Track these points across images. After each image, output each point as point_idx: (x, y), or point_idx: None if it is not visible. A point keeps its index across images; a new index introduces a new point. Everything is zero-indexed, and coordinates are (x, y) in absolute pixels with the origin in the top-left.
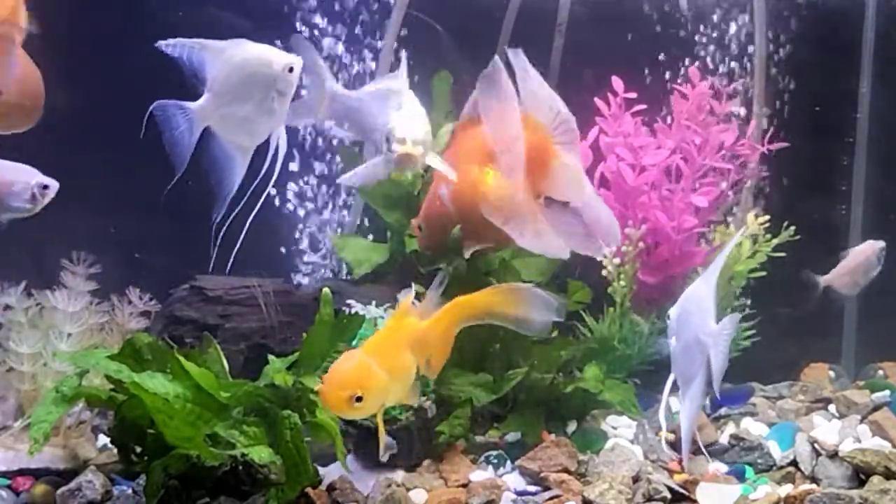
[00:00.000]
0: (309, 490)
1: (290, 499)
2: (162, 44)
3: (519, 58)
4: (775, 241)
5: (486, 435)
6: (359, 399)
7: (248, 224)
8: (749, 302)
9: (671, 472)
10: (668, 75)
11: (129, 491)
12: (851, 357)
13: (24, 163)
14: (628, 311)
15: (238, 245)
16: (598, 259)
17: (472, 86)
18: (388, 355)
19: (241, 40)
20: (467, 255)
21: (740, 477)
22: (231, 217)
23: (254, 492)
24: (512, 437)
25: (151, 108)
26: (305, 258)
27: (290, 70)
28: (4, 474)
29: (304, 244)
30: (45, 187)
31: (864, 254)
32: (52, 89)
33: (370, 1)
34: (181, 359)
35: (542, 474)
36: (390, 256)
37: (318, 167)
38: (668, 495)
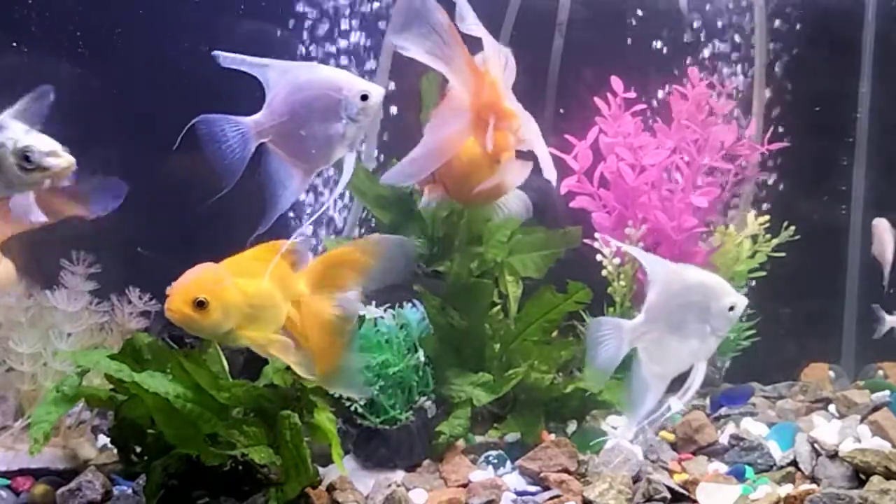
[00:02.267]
0: (309, 490)
1: (290, 499)
2: (220, 56)
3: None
4: (775, 242)
5: (486, 435)
6: (201, 304)
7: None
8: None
9: (671, 472)
10: (668, 75)
11: (129, 491)
12: (851, 357)
13: None
14: (628, 311)
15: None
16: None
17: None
18: (247, 275)
19: (313, 63)
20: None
21: (740, 477)
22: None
23: (254, 492)
24: (512, 437)
25: (195, 121)
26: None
27: (364, 98)
28: (4, 474)
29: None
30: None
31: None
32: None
33: (371, 1)
34: (181, 359)
35: (542, 474)
36: None
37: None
38: (668, 495)
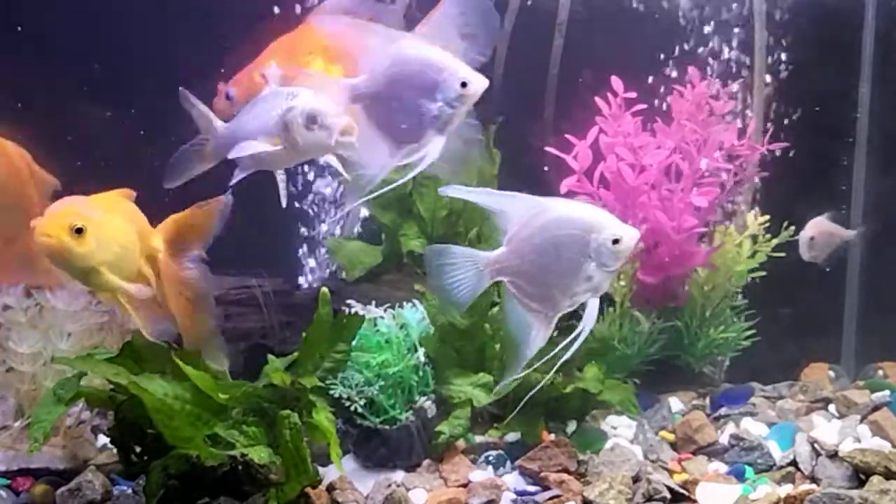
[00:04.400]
0: (309, 490)
1: (290, 499)
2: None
3: None
4: (775, 242)
5: (486, 435)
6: (79, 231)
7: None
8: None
9: (671, 472)
10: (668, 75)
11: (129, 491)
12: (851, 357)
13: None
14: (628, 311)
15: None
16: None
17: None
18: (109, 211)
19: (423, 39)
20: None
21: (740, 477)
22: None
23: (254, 492)
24: (512, 437)
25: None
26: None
27: (464, 85)
28: (4, 474)
29: (306, 246)
30: None
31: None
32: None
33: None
34: (180, 362)
35: (542, 474)
36: (385, 258)
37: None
38: (668, 495)
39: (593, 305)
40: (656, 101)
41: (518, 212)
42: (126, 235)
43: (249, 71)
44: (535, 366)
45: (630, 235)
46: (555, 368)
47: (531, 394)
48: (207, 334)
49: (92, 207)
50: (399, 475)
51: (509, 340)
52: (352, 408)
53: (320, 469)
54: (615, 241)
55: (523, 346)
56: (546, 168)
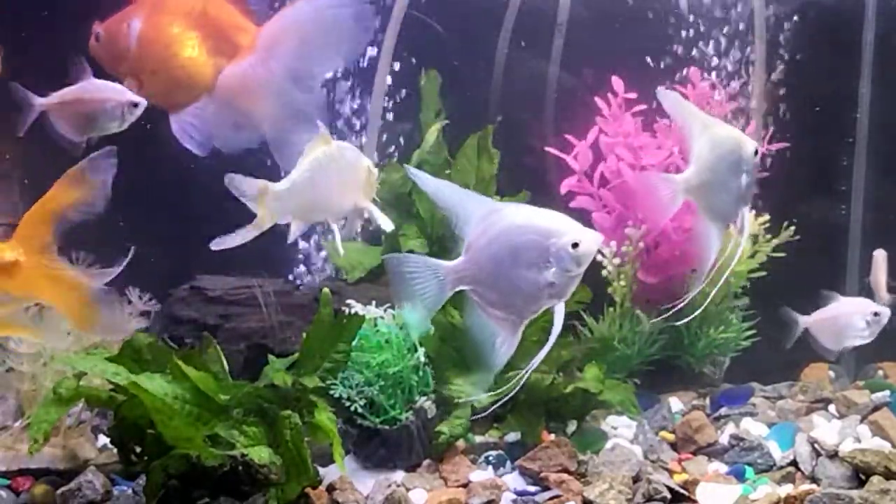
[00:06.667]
0: (309, 490)
1: (290, 499)
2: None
3: None
4: (775, 242)
5: (486, 435)
6: None
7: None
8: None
9: (671, 472)
10: (667, 75)
11: (129, 491)
12: (851, 357)
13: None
14: (629, 311)
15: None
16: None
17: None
18: None
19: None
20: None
21: (740, 477)
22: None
23: (254, 492)
24: (512, 437)
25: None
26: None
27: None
28: (4, 474)
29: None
30: (135, 105)
31: (849, 310)
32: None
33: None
34: (180, 363)
35: (542, 474)
36: (383, 259)
37: None
38: (668, 495)
39: (559, 312)
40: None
41: (476, 216)
42: None
43: (121, 17)
44: (533, 366)
45: (590, 239)
46: (526, 372)
47: (502, 401)
48: (104, 321)
49: None
50: (399, 475)
51: (474, 350)
52: (352, 408)
53: (320, 469)
54: (574, 246)
55: (491, 355)
56: (546, 169)
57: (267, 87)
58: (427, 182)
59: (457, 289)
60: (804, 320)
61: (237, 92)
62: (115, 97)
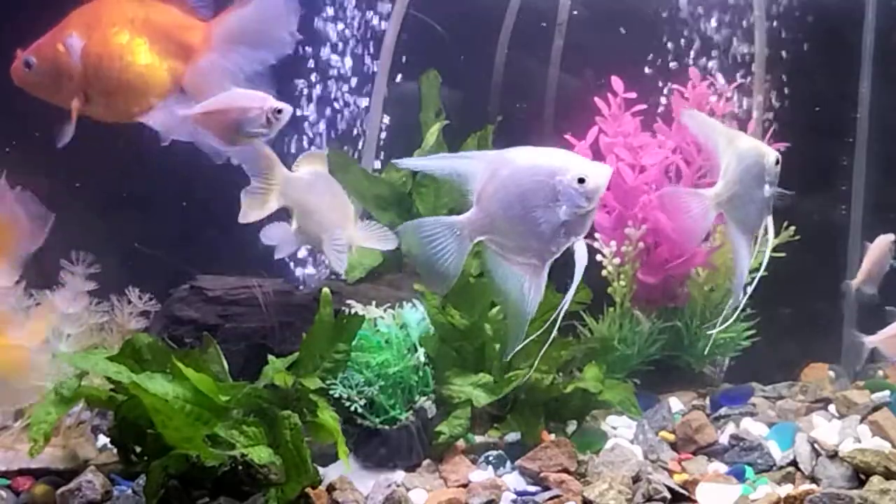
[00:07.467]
0: (309, 490)
1: (290, 499)
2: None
3: None
4: (775, 242)
5: (486, 435)
6: None
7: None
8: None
9: (671, 472)
10: (667, 75)
11: (129, 491)
12: (851, 357)
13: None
14: (629, 311)
15: None
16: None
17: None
18: None
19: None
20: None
21: (740, 477)
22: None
23: (254, 492)
24: (512, 437)
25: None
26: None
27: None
28: (4, 474)
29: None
30: (279, 111)
31: (880, 249)
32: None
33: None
34: (180, 364)
35: (541, 474)
36: (385, 258)
37: None
38: (668, 495)
39: (581, 248)
40: (656, 102)
41: (479, 167)
42: None
43: (51, 39)
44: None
45: (598, 173)
46: (557, 316)
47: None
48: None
49: None
50: (399, 475)
51: (503, 301)
52: (352, 408)
53: (320, 469)
54: (581, 181)
55: (520, 303)
56: None
57: (232, 79)
58: (418, 163)
59: (475, 240)
60: (870, 340)
61: (207, 88)
62: (258, 104)
